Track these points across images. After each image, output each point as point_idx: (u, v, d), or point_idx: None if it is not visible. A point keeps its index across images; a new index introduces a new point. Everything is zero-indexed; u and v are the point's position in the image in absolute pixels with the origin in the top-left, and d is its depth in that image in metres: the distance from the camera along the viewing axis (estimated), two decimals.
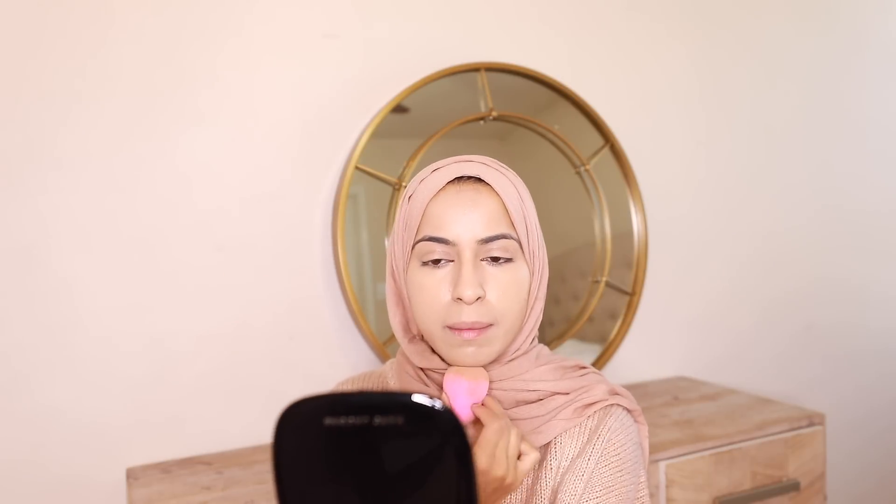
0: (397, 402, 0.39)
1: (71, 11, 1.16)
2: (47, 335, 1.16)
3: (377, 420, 0.39)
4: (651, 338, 1.64)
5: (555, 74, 1.49)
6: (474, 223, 0.67)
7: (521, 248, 0.70)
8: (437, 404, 0.38)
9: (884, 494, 2.01)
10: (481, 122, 1.40)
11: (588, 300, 1.50)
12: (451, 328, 0.68)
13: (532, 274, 0.71)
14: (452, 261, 0.68)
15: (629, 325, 1.53)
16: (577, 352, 1.51)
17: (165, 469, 1.18)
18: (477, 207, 0.68)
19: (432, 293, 0.68)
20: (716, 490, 1.21)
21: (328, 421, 0.39)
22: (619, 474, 0.70)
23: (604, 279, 1.50)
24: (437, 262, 0.68)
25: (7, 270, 1.14)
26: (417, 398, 0.38)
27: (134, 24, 1.20)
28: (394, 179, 1.32)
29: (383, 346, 1.31)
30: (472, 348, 0.68)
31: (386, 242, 1.33)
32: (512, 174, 0.73)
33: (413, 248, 0.70)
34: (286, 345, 1.31)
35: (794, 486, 1.27)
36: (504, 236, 0.68)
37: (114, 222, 1.19)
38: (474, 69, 1.38)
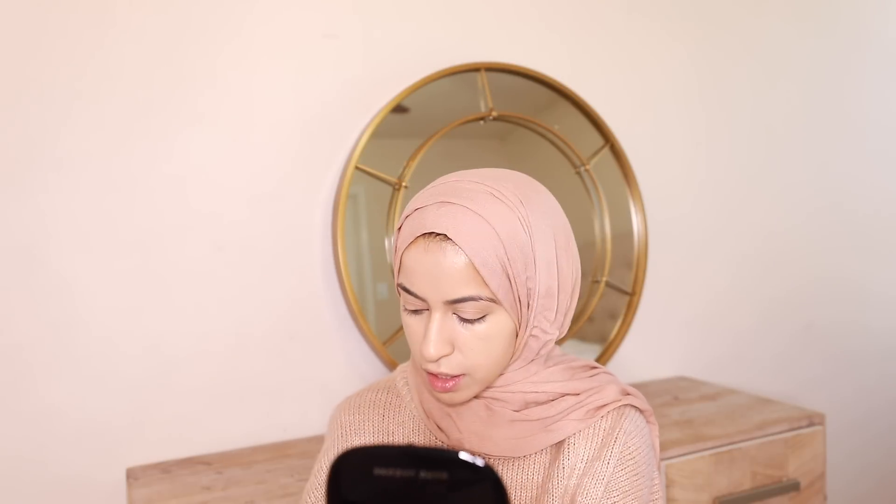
0: (443, 459, 0.43)
1: (71, 12, 1.16)
2: (48, 335, 1.16)
3: (423, 474, 0.42)
4: (651, 338, 1.64)
5: (555, 74, 1.49)
6: (439, 285, 0.64)
7: (498, 301, 0.66)
8: (479, 462, 0.42)
9: (884, 494, 2.01)
10: (481, 122, 1.40)
11: (588, 300, 1.50)
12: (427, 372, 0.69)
13: (518, 321, 0.68)
14: (428, 309, 0.67)
15: (629, 325, 1.53)
16: (577, 352, 1.51)
17: (165, 469, 1.18)
18: (441, 270, 0.64)
19: (413, 335, 0.69)
20: (716, 490, 1.21)
21: (377, 471, 0.43)
22: (635, 478, 0.71)
23: (604, 279, 1.50)
24: (414, 312, 0.68)
25: (8, 270, 1.14)
26: (461, 456, 0.42)
27: (134, 25, 1.20)
28: (394, 179, 1.32)
29: (383, 346, 1.31)
30: (446, 395, 0.69)
31: (386, 243, 1.33)
32: (504, 206, 0.65)
33: (398, 286, 0.69)
34: (286, 345, 1.31)
35: (794, 486, 1.27)
36: (471, 298, 0.64)
37: (114, 222, 1.19)
38: (474, 69, 1.38)
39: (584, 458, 0.71)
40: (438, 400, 0.71)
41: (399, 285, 0.68)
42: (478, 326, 0.66)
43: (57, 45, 1.15)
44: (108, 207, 1.19)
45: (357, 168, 1.29)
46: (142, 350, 1.21)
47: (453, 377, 0.67)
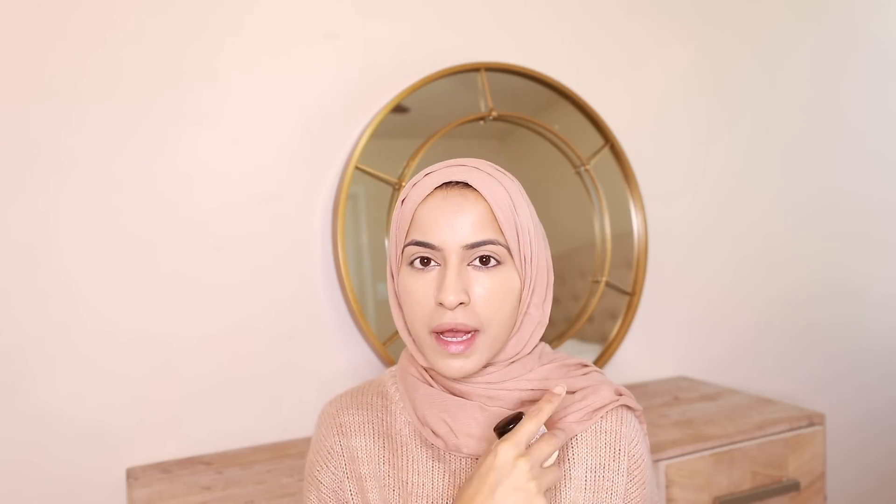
0: None
1: (71, 12, 1.16)
2: (48, 335, 1.16)
3: None
4: (651, 338, 1.64)
5: (555, 74, 1.49)
6: (460, 228, 0.67)
7: (511, 253, 0.69)
8: None
9: (884, 494, 2.01)
10: (481, 122, 1.40)
11: (588, 300, 1.50)
12: (436, 334, 0.68)
13: (523, 281, 0.71)
14: (440, 264, 0.68)
15: (629, 325, 1.53)
16: (577, 352, 1.51)
17: (165, 469, 1.18)
18: (463, 213, 0.67)
19: (419, 297, 0.68)
20: (716, 490, 1.21)
21: None
22: (642, 487, 0.73)
23: (604, 279, 1.50)
24: (424, 264, 0.68)
25: (9, 270, 1.14)
26: None
27: (135, 25, 1.20)
28: (394, 179, 1.32)
29: (383, 346, 1.31)
30: (457, 361, 0.68)
31: (386, 242, 1.34)
32: (506, 178, 0.72)
33: (403, 251, 0.70)
34: (286, 345, 1.31)
35: (794, 486, 1.27)
36: (490, 242, 0.67)
37: (115, 222, 1.20)
38: (474, 69, 1.38)
39: (592, 468, 0.72)
40: (445, 375, 0.69)
41: (410, 243, 0.69)
42: (492, 273, 0.68)
43: (57, 45, 1.15)
44: (109, 208, 1.19)
45: (357, 168, 1.29)
46: (141, 350, 1.21)
47: (467, 334, 0.67)
